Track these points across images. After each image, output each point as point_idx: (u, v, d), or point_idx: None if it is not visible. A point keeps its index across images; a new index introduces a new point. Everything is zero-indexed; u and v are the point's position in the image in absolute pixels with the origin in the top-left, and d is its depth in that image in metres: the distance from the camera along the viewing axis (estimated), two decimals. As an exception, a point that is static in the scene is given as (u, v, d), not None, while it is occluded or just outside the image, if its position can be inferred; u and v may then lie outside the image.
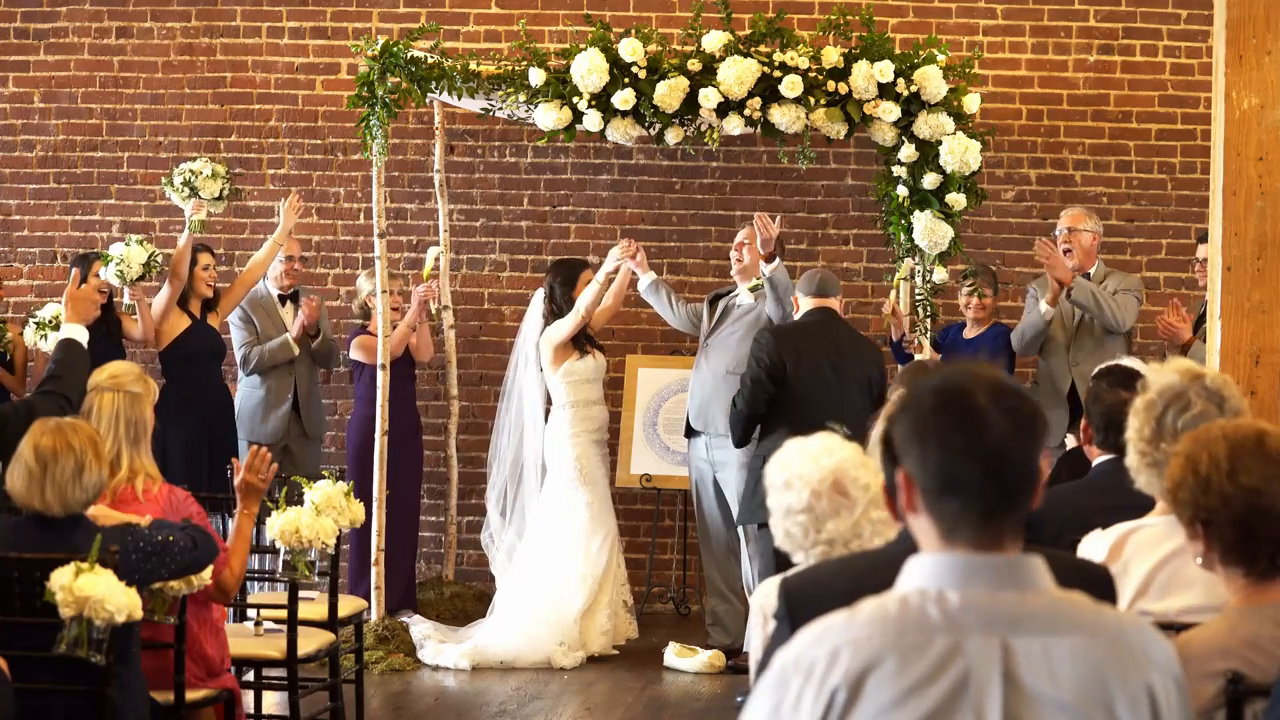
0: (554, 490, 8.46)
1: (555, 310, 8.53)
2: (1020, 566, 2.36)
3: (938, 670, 2.28)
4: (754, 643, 4.01)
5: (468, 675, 8.01)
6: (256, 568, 6.92)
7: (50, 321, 8.41)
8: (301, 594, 6.34)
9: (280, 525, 6.00)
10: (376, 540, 8.28)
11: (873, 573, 2.70)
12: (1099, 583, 3.23)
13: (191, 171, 8.53)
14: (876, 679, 2.28)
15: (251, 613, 6.63)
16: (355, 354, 8.90)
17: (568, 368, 8.45)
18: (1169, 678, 2.37)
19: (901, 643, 2.29)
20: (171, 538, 4.83)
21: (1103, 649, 2.32)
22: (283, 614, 6.22)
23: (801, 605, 2.99)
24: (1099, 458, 5.04)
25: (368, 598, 8.00)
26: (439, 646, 8.20)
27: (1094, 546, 3.92)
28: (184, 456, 8.35)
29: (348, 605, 6.95)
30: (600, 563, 8.35)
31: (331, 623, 6.59)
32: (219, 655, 5.52)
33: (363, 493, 6.70)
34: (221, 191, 8.60)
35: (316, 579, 6.19)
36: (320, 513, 6.14)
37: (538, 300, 8.70)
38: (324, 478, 6.39)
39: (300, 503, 6.20)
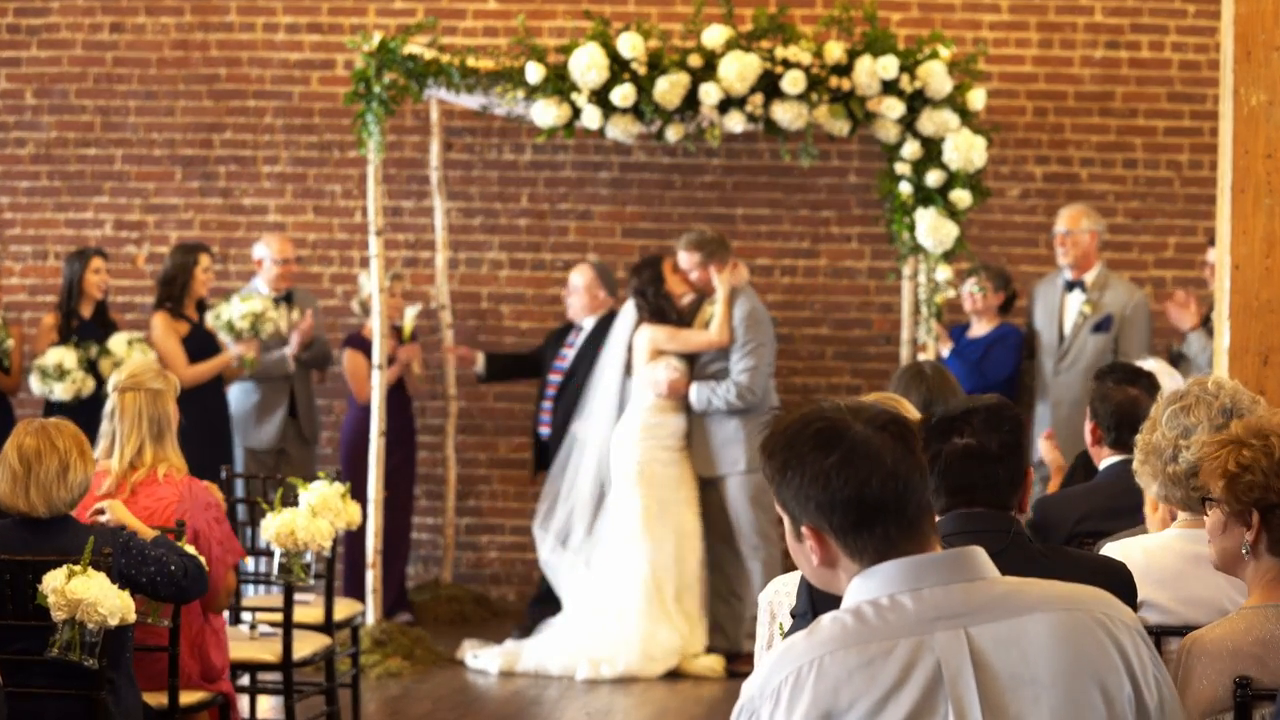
0: (616, 494, 8.29)
1: (656, 311, 8.34)
2: (963, 559, 2.40)
3: (908, 671, 2.29)
4: (760, 641, 3.95)
5: (466, 680, 7.93)
6: (252, 570, 6.83)
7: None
8: (297, 597, 6.27)
9: (275, 527, 5.93)
10: (374, 543, 8.19)
11: None
12: (1119, 579, 3.22)
13: (255, 315, 8.44)
14: (847, 696, 2.29)
15: (246, 615, 6.55)
16: (346, 361, 8.79)
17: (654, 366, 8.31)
18: (1134, 634, 2.41)
19: (865, 653, 2.31)
20: (165, 557, 4.80)
21: (1066, 620, 2.35)
22: (278, 617, 6.15)
23: (826, 600, 2.95)
24: (1107, 459, 4.98)
25: (361, 600, 7.91)
26: (480, 651, 8.11)
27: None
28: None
29: (344, 608, 6.87)
30: (643, 571, 8.07)
31: (327, 626, 6.52)
32: (221, 662, 5.47)
33: (356, 494, 6.62)
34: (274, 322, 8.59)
35: (312, 581, 6.11)
36: (316, 514, 6.07)
37: (627, 314, 8.48)
38: (319, 478, 6.32)
39: (295, 504, 6.13)
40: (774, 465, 2.43)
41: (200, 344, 8.61)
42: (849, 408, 2.42)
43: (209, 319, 8.56)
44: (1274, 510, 3.22)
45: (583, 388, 8.54)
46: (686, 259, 8.35)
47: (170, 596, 4.89)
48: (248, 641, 6.26)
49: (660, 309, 8.36)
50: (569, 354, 8.70)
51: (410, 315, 8.82)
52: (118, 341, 8.49)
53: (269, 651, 6.14)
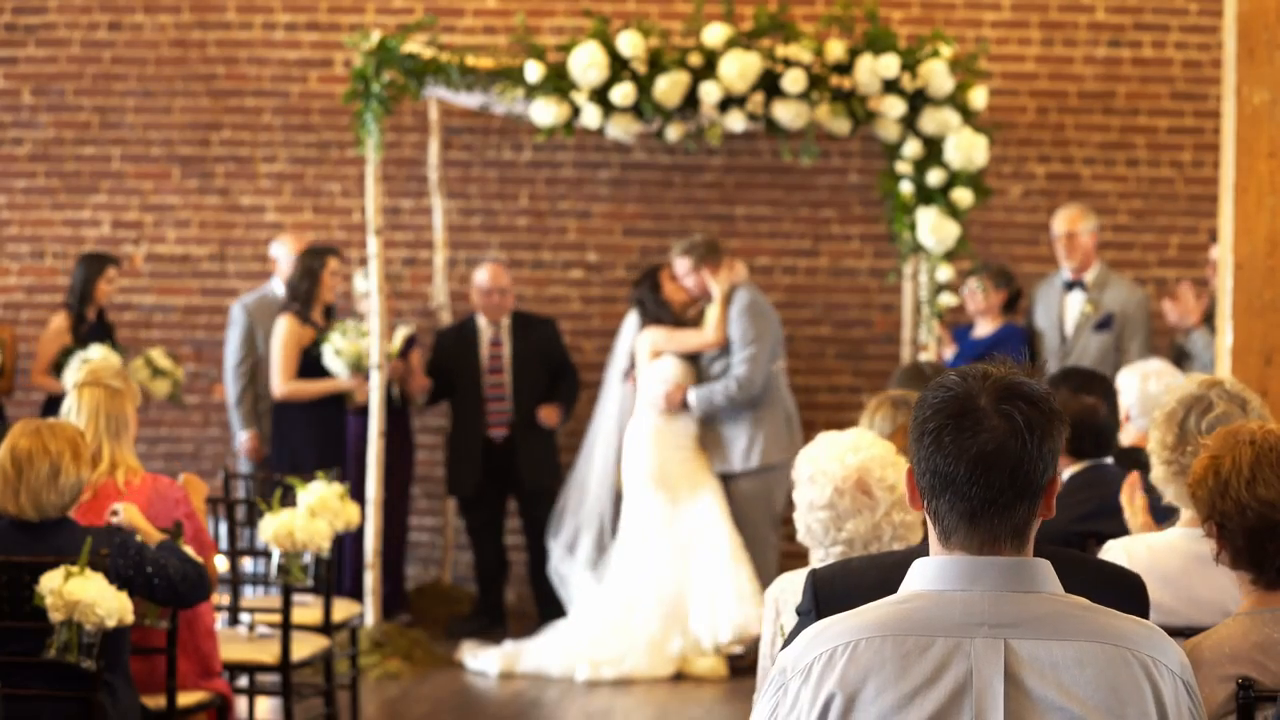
0: (631, 498, 8.24)
1: (655, 320, 8.38)
2: (1024, 569, 2.36)
3: (938, 672, 2.28)
4: (765, 637, 3.93)
5: (465, 682, 7.90)
6: (250, 570, 6.80)
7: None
8: (295, 598, 6.24)
9: (274, 528, 5.90)
10: (373, 544, 8.15)
11: (903, 568, 2.62)
12: (1131, 589, 3.18)
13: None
14: (875, 684, 2.28)
15: (245, 616, 6.52)
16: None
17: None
18: (1178, 683, 2.35)
19: (901, 647, 2.29)
20: (164, 561, 4.77)
21: (1110, 655, 2.30)
22: (276, 618, 6.12)
23: (832, 599, 2.92)
24: (1067, 470, 4.95)
25: (360, 602, 7.86)
26: (479, 652, 8.06)
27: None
28: (302, 467, 7.97)
29: (342, 609, 6.84)
30: (657, 576, 8.00)
31: (326, 627, 6.49)
32: (210, 648, 5.44)
33: (355, 495, 6.59)
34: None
35: (310, 582, 6.08)
36: (314, 515, 6.05)
37: (630, 323, 8.51)
38: (317, 479, 6.29)
39: (294, 505, 6.10)
40: (915, 402, 2.45)
41: (317, 356, 8.40)
42: (993, 380, 2.37)
43: (326, 353, 8.30)
44: (1225, 529, 3.18)
45: (542, 382, 8.64)
46: (679, 266, 8.36)
47: (166, 600, 4.85)
48: (246, 643, 6.23)
49: (658, 317, 8.39)
50: (500, 352, 8.71)
51: (399, 335, 8.76)
52: (158, 352, 8.52)
53: (267, 653, 6.10)
